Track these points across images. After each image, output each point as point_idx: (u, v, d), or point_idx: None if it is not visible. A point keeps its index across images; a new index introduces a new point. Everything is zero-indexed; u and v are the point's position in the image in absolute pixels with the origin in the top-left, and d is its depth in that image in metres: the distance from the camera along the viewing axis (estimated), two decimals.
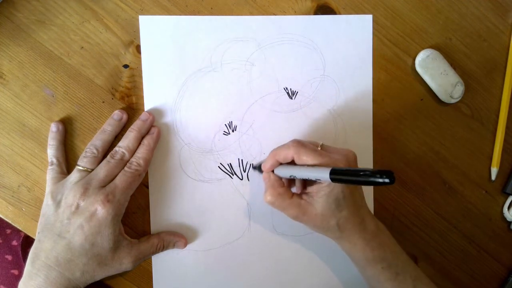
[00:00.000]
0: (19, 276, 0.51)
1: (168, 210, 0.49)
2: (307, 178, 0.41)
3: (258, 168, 0.49)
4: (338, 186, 0.42)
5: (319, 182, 0.42)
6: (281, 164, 0.44)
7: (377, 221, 0.46)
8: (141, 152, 0.46)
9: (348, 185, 0.42)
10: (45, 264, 0.42)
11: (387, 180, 0.33)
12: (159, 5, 0.49)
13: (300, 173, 0.41)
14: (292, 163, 0.43)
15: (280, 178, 0.45)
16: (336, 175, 0.37)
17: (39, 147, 0.47)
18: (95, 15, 0.48)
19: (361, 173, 0.35)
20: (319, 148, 0.43)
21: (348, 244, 0.45)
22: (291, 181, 0.48)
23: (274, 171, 0.45)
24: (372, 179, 0.34)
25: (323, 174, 0.38)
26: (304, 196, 0.44)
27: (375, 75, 0.52)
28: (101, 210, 0.42)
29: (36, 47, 0.47)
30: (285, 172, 0.43)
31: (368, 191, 0.52)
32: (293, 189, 0.47)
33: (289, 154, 0.42)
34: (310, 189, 0.44)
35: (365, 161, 0.52)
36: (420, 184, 0.54)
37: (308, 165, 0.41)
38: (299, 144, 0.43)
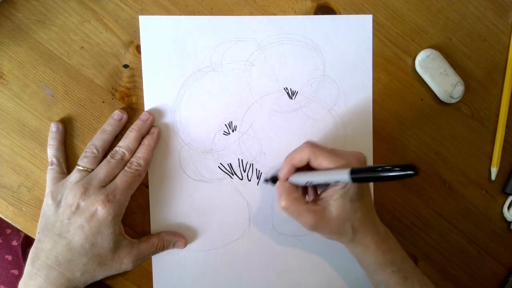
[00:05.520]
0: (19, 276, 0.51)
1: (168, 210, 0.49)
2: (325, 182, 0.41)
3: (271, 180, 0.48)
4: (352, 188, 0.42)
5: (334, 185, 0.42)
6: (297, 169, 0.44)
7: (384, 225, 0.46)
8: (141, 152, 0.46)
9: (359, 188, 0.42)
10: (45, 264, 0.42)
11: (410, 172, 0.33)
12: (159, 5, 0.49)
13: (318, 177, 0.41)
14: (306, 167, 0.43)
15: (294, 186, 0.44)
16: (357, 174, 0.37)
17: (39, 147, 0.47)
18: (95, 15, 0.48)
19: (381, 168, 0.35)
20: None
21: (361, 247, 0.45)
22: (303, 191, 0.47)
23: (289, 180, 0.44)
24: (395, 173, 0.34)
25: (343, 175, 0.38)
26: (318, 202, 0.43)
27: (375, 75, 0.52)
28: (101, 210, 0.42)
29: (36, 47, 0.47)
30: (301, 179, 0.43)
31: None
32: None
33: (304, 156, 0.42)
34: (323, 194, 0.43)
35: None
36: (420, 184, 0.54)
37: (323, 169, 0.41)
38: (313, 145, 0.43)
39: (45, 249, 0.42)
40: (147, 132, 0.47)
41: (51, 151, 0.47)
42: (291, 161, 0.43)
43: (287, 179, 0.44)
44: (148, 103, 0.49)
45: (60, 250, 0.42)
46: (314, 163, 0.42)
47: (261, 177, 0.50)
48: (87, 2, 0.47)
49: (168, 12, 0.49)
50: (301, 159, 0.43)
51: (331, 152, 0.42)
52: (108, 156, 0.45)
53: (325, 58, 0.51)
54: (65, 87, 0.48)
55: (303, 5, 0.51)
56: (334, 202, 0.42)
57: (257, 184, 0.50)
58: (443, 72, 0.52)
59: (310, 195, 0.48)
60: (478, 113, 0.54)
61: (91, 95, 0.48)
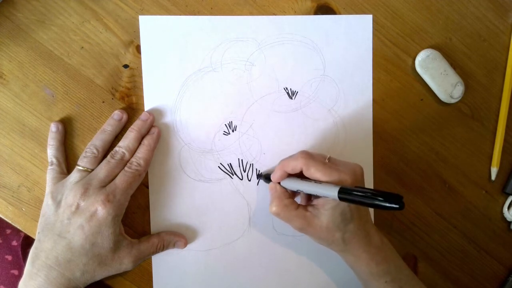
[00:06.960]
0: (19, 276, 0.51)
1: (168, 210, 0.49)
2: (314, 194, 0.41)
3: (264, 177, 0.49)
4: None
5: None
6: (289, 175, 0.44)
7: (381, 235, 0.46)
8: (141, 152, 0.46)
9: None
10: (45, 264, 0.42)
11: (395, 206, 0.32)
12: (159, 5, 0.49)
13: (308, 188, 0.41)
14: (300, 174, 0.43)
15: (286, 190, 0.45)
16: (345, 194, 0.37)
17: (39, 147, 0.47)
18: (95, 15, 0.48)
19: (369, 194, 0.34)
20: (327, 161, 0.43)
21: (353, 257, 0.45)
22: (296, 192, 0.47)
23: (281, 183, 0.45)
24: (379, 202, 0.33)
25: (331, 192, 0.38)
26: (310, 208, 0.43)
27: (375, 75, 0.52)
28: (101, 210, 0.42)
29: (36, 47, 0.47)
30: (292, 185, 0.43)
31: None
32: (297, 199, 0.47)
33: (297, 166, 0.42)
34: (316, 201, 0.43)
35: (365, 161, 0.52)
36: (420, 184, 0.54)
37: (316, 181, 0.41)
38: (307, 155, 0.43)
39: (45, 249, 0.42)
40: (147, 132, 0.47)
41: (51, 151, 0.47)
42: (284, 167, 0.44)
43: (279, 182, 0.45)
44: (148, 103, 0.49)
45: (60, 250, 0.42)
46: (307, 174, 0.42)
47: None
48: (87, 2, 0.47)
49: (168, 12, 0.49)
50: (294, 168, 0.43)
51: (325, 164, 0.42)
52: (108, 156, 0.45)
53: (325, 58, 0.51)
54: (65, 87, 0.48)
55: (303, 5, 0.51)
56: (325, 212, 0.42)
57: (257, 184, 0.50)
58: (443, 72, 0.52)
59: (302, 199, 0.48)
60: (478, 113, 0.54)
61: (91, 95, 0.48)
